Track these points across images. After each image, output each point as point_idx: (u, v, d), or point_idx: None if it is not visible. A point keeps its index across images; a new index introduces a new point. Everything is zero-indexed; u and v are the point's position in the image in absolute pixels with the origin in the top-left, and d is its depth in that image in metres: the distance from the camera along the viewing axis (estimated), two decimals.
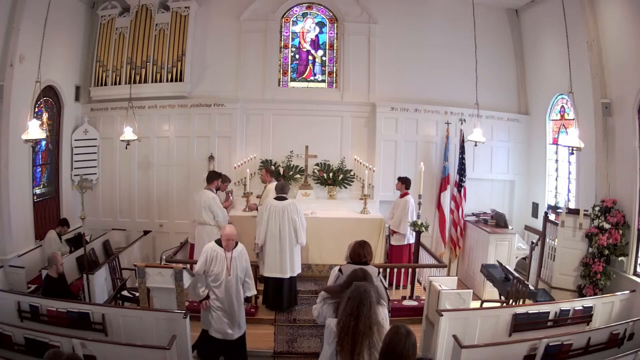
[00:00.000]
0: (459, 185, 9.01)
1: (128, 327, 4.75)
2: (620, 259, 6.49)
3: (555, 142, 8.69)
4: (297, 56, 9.70)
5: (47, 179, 8.37)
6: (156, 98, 9.07)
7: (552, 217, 7.82)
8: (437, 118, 9.26)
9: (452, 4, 9.29)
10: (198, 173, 8.96)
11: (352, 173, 9.16)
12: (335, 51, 9.63)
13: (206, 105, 9.15)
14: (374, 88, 9.40)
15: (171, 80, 8.97)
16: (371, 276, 3.98)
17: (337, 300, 3.62)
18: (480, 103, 7.18)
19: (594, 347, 4.66)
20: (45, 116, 7.63)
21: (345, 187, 9.13)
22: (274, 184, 7.49)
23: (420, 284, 7.37)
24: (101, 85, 9.07)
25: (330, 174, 8.98)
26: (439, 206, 9.17)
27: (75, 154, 8.94)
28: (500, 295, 6.65)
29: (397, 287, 7.01)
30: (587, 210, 6.85)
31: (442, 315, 4.75)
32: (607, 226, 6.51)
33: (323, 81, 9.70)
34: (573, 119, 7.56)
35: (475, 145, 7.57)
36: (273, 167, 8.89)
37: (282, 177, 8.73)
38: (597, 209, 6.75)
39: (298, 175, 9.06)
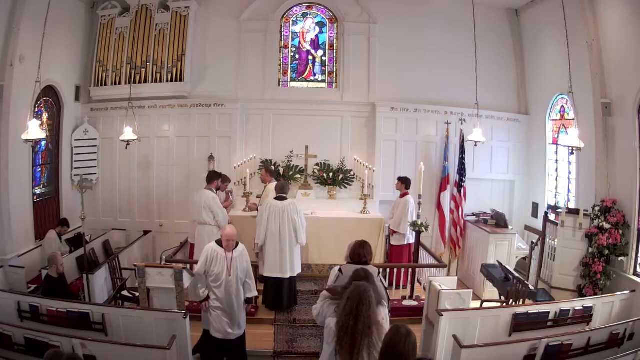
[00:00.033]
0: (459, 185, 9.01)
1: (128, 327, 4.75)
2: (620, 259, 6.49)
3: (555, 142, 8.69)
4: (297, 56, 9.70)
5: (47, 179, 8.37)
6: (156, 98, 9.07)
7: (552, 217, 7.82)
8: (437, 118, 9.27)
9: (452, 4, 9.29)
10: (198, 173, 8.96)
11: (352, 173, 9.16)
12: (335, 51, 9.63)
13: (206, 105, 9.15)
14: (374, 88, 9.40)
15: (171, 80, 8.97)
16: (373, 276, 3.98)
17: (339, 300, 3.62)
18: (480, 103, 7.19)
19: (594, 347, 4.66)
20: (45, 116, 7.63)
21: (345, 187, 9.13)
22: (274, 184, 7.49)
23: (420, 284, 7.37)
24: (101, 85, 9.07)
25: (330, 174, 8.98)
26: (439, 206, 9.17)
27: (75, 154, 8.94)
28: (500, 295, 6.65)
29: (397, 287, 7.01)
30: (587, 210, 6.85)
31: (442, 315, 4.75)
32: (607, 226, 6.51)
33: (323, 81, 9.70)
34: (573, 119, 7.56)
35: (475, 145, 7.57)
36: (273, 167, 8.89)
37: (282, 177, 8.73)
38: (597, 209, 6.75)
39: (298, 175, 9.06)
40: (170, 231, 9.23)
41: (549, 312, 5.28)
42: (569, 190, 8.22)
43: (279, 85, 9.58)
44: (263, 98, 9.34)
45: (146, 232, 9.14)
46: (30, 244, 7.51)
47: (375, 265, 4.92)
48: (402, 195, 7.88)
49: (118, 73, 9.01)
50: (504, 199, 9.62)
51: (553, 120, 8.75)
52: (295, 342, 6.08)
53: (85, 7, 9.07)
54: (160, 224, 9.31)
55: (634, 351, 4.35)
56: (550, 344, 4.34)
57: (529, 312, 5.22)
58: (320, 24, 9.68)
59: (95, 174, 9.19)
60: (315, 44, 9.68)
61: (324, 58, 9.69)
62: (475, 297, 6.84)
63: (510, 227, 8.45)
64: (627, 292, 5.94)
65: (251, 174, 8.78)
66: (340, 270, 4.56)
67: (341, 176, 9.00)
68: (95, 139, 9.15)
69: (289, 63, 9.67)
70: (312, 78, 9.70)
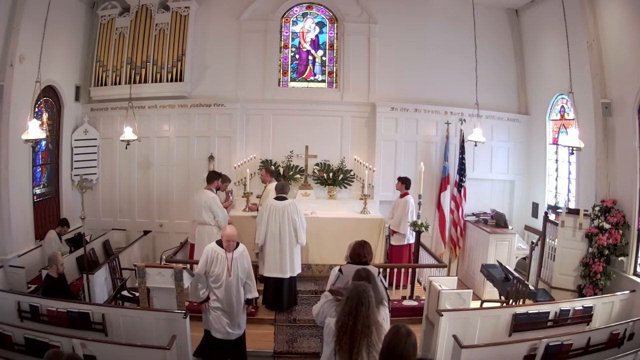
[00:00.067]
0: (459, 185, 9.01)
1: (128, 327, 4.75)
2: (620, 259, 6.49)
3: (555, 142, 8.69)
4: (297, 56, 9.70)
5: (47, 179, 8.37)
6: (156, 98, 9.07)
7: (552, 217, 7.82)
8: (437, 118, 9.27)
9: (452, 4, 9.29)
10: (198, 173, 8.96)
11: (352, 173, 9.16)
12: (335, 51, 9.63)
13: (206, 105, 9.15)
14: (374, 88, 9.40)
15: (171, 80, 8.97)
16: (374, 276, 3.99)
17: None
18: (480, 103, 7.19)
19: (594, 347, 4.67)
20: (45, 116, 7.63)
21: (345, 187, 9.13)
22: (274, 184, 7.49)
23: (420, 284, 7.37)
24: (101, 85, 9.07)
25: (330, 174, 8.98)
26: (439, 206, 9.17)
27: (75, 154, 8.94)
28: (500, 295, 6.65)
29: (397, 287, 7.01)
30: (587, 210, 6.85)
31: (442, 315, 4.75)
32: (607, 226, 6.51)
33: (323, 81, 9.70)
34: (573, 119, 7.56)
35: (475, 145, 7.57)
36: (273, 167, 8.89)
37: (282, 177, 8.73)
38: (597, 209, 6.75)
39: (298, 175, 9.06)
40: (170, 231, 9.23)
41: (549, 312, 5.28)
42: (569, 190, 8.22)
43: (279, 85, 9.58)
44: (263, 98, 9.34)
45: (146, 232, 9.14)
46: (30, 244, 7.51)
47: (375, 265, 4.92)
48: (402, 195, 7.88)
49: (118, 73, 9.00)
50: (504, 199, 9.62)
51: (553, 120, 8.75)
52: (295, 342, 6.08)
53: (85, 7, 9.07)
54: (160, 224, 9.31)
55: (634, 351, 4.35)
56: (550, 344, 4.34)
57: (529, 312, 5.22)
58: (320, 24, 9.68)
59: (95, 174, 9.19)
60: (315, 44, 9.68)
61: (324, 58, 9.69)
62: (475, 297, 6.84)
63: (510, 227, 8.45)
64: (627, 292, 5.94)
65: (251, 174, 8.78)
66: (340, 270, 4.56)
67: (341, 176, 9.00)
68: (95, 139, 9.15)
69: (289, 63, 9.67)
70: (312, 78, 9.70)
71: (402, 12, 9.43)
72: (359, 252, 4.57)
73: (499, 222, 8.49)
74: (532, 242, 8.01)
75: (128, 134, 7.43)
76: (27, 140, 5.66)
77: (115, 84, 8.98)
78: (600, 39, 6.92)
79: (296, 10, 9.65)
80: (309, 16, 9.68)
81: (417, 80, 9.36)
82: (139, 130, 7.76)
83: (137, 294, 5.76)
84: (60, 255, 6.08)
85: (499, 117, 9.36)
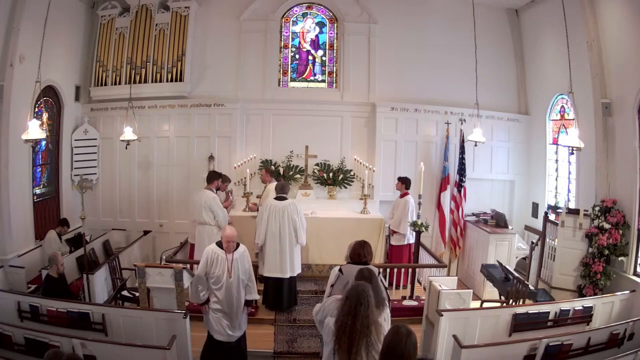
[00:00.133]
0: (459, 185, 9.01)
1: (128, 327, 4.75)
2: (620, 259, 6.49)
3: (555, 142, 8.69)
4: (297, 56, 9.70)
5: (47, 179, 8.37)
6: (156, 98, 9.07)
7: (552, 217, 7.82)
8: (437, 118, 9.27)
9: (452, 4, 9.29)
10: (198, 173, 8.96)
11: (352, 173, 9.16)
12: (335, 51, 9.62)
13: (206, 105, 9.16)
14: (374, 88, 9.40)
15: (171, 80, 8.97)
16: (376, 276, 3.99)
17: None
18: (480, 103, 7.19)
19: (594, 347, 4.67)
20: (45, 116, 7.63)
21: (345, 187, 9.13)
22: (274, 184, 7.49)
23: (420, 284, 7.37)
24: (101, 85, 9.07)
25: (330, 174, 8.98)
26: (439, 206, 9.17)
27: (75, 154, 8.94)
28: (500, 295, 6.65)
29: (397, 287, 7.01)
30: (587, 210, 6.85)
31: (442, 315, 4.75)
32: (607, 226, 6.52)
33: (323, 81, 9.70)
34: (573, 119, 7.56)
35: (475, 145, 7.57)
36: (273, 167, 8.89)
37: (282, 177, 8.73)
38: (597, 209, 6.75)
39: (298, 175, 9.06)
40: (170, 231, 9.23)
41: (549, 312, 5.29)
42: (569, 190, 8.22)
43: (279, 85, 9.58)
44: (263, 98, 9.34)
45: (146, 232, 9.14)
46: (30, 244, 7.51)
47: (375, 265, 4.92)
48: (402, 195, 7.88)
49: (118, 73, 9.01)
50: (504, 199, 9.63)
51: (553, 120, 8.75)
52: (295, 342, 6.08)
53: (85, 7, 9.07)
54: (160, 224, 9.31)
55: (634, 351, 4.36)
56: (550, 344, 4.34)
57: (529, 312, 5.22)
58: (320, 24, 9.68)
59: (95, 174, 9.19)
60: (315, 44, 9.68)
61: (324, 58, 9.69)
62: (475, 297, 6.84)
63: (510, 227, 8.45)
64: (627, 292, 5.94)
65: (251, 174, 8.77)
66: (340, 270, 4.56)
67: (341, 176, 9.00)
68: (95, 139, 9.15)
69: (289, 63, 9.67)
70: (312, 78, 9.70)
71: (402, 12, 9.43)
72: (359, 252, 4.57)
73: (499, 222, 8.49)
74: (532, 242, 8.01)
75: (128, 134, 7.43)
76: (27, 140, 5.66)
77: (115, 84, 8.98)
78: (600, 39, 6.92)
79: (296, 10, 9.65)
80: (309, 16, 9.68)
81: (417, 80, 9.36)
82: (139, 130, 7.76)
83: (137, 294, 5.76)
84: (60, 255, 6.08)
85: (499, 117, 9.37)
